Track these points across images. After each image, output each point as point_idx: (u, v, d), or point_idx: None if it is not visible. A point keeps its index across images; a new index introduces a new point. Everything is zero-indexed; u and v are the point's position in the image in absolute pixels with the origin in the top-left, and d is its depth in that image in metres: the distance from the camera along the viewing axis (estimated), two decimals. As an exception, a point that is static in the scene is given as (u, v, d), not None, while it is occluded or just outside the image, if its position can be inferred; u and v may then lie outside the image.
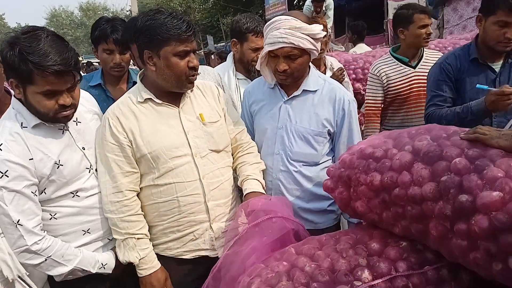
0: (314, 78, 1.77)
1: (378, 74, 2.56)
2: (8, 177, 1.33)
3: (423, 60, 2.54)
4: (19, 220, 1.35)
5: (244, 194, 1.64)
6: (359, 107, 3.15)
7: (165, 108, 1.57)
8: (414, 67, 2.53)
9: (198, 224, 1.59)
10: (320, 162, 1.75)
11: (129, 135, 1.52)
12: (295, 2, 14.40)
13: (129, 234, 1.53)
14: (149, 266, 1.55)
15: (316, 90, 1.75)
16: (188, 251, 1.62)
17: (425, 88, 2.29)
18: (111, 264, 1.57)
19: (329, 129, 1.73)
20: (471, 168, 1.01)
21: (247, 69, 2.34)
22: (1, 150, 1.34)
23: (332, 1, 5.99)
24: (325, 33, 1.70)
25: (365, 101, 2.67)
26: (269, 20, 1.69)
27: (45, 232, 1.44)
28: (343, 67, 2.78)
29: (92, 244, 1.57)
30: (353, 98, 1.84)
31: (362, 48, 4.53)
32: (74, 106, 1.44)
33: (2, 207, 1.34)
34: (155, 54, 1.47)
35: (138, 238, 1.54)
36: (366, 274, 1.09)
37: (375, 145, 1.26)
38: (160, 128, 1.54)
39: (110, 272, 1.57)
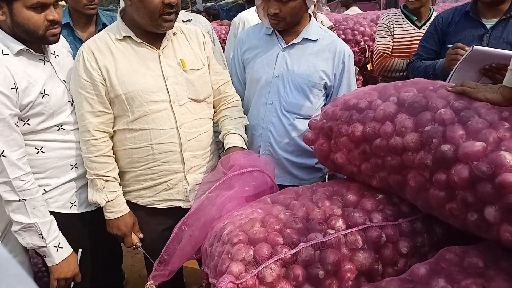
0: (315, 28, 1.69)
1: (387, 24, 2.56)
2: None
3: (430, 21, 2.50)
4: (3, 151, 1.30)
5: (225, 149, 1.59)
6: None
7: (144, 49, 1.47)
8: (419, 27, 2.52)
9: (172, 174, 1.54)
10: (313, 116, 1.70)
11: (104, 72, 1.44)
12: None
13: (97, 175, 1.48)
14: (116, 209, 1.52)
15: (316, 40, 1.68)
16: (160, 201, 1.58)
17: None
18: (66, 253, 1.48)
19: (326, 82, 1.68)
20: (455, 119, 0.98)
21: None
22: None
23: None
24: None
25: (376, 46, 2.62)
26: None
27: (30, 168, 1.38)
28: (333, 25, 2.70)
29: (81, 179, 1.55)
30: (352, 53, 1.77)
31: (354, 11, 4.42)
32: (60, 24, 1.40)
33: None
34: None
35: (106, 180, 1.49)
36: (340, 223, 1.08)
37: (360, 97, 1.21)
38: (137, 69, 1.46)
39: (60, 260, 1.46)
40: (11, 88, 1.30)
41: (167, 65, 1.49)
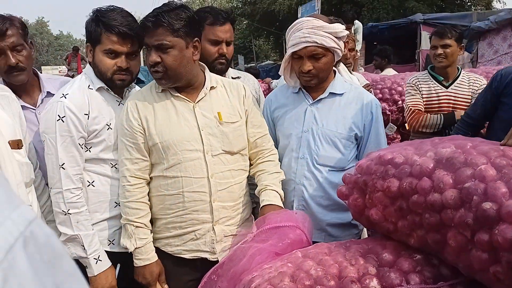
0: (341, 82, 1.74)
1: (414, 83, 2.60)
2: (63, 122, 1.49)
3: (457, 81, 2.53)
4: (63, 163, 1.49)
5: (261, 206, 1.58)
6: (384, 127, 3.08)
7: (181, 101, 1.55)
8: (447, 87, 2.52)
9: (200, 223, 1.55)
10: (346, 168, 1.69)
11: (143, 122, 1.52)
12: (327, 28, 14.51)
13: (128, 221, 1.52)
14: (144, 257, 1.53)
15: (343, 93, 1.71)
16: (187, 251, 1.58)
17: (455, 108, 2.38)
18: (104, 266, 1.57)
19: (356, 133, 1.68)
20: (497, 176, 0.94)
21: None
22: (65, 98, 1.52)
23: (361, 25, 6.01)
24: (347, 32, 1.67)
25: (407, 104, 2.63)
26: None
27: (81, 190, 1.55)
28: (370, 84, 2.74)
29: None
30: (379, 103, 1.79)
31: (389, 72, 4.48)
32: (130, 73, 1.61)
33: (54, 148, 1.49)
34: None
35: (136, 227, 1.52)
36: (374, 283, 1.02)
37: (395, 151, 1.20)
38: (174, 119, 1.53)
39: (98, 271, 1.55)
40: (84, 114, 1.52)
41: (203, 116, 1.55)
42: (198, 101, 1.57)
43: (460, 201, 0.96)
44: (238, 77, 2.10)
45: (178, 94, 1.55)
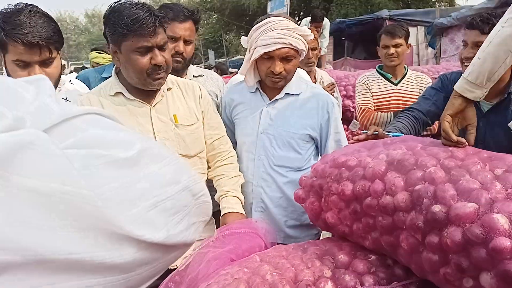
0: (297, 82, 1.72)
1: (364, 82, 2.64)
2: None
3: (405, 78, 2.61)
4: None
5: (222, 214, 1.56)
6: (347, 124, 3.11)
7: (136, 105, 1.49)
8: (396, 84, 2.59)
9: None
10: (303, 168, 1.68)
11: None
12: (297, 19, 14.59)
13: None
14: None
15: (299, 94, 1.69)
16: None
17: (404, 104, 2.41)
18: None
19: (311, 133, 1.67)
20: (446, 178, 0.95)
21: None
22: None
23: (328, 22, 6.06)
24: (313, 35, 1.66)
25: (358, 102, 2.67)
26: None
27: None
28: (334, 82, 2.76)
29: None
30: (336, 102, 1.79)
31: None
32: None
33: None
34: (117, 48, 1.40)
35: None
36: (329, 286, 1.01)
37: (349, 154, 1.20)
38: (126, 124, 1.46)
39: None
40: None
41: (159, 120, 1.50)
42: (155, 104, 1.52)
43: (411, 203, 0.96)
44: (201, 75, 2.05)
45: (134, 98, 1.49)
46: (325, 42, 6.10)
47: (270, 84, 1.68)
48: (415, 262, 0.98)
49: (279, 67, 1.58)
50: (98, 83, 2.10)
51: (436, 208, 0.90)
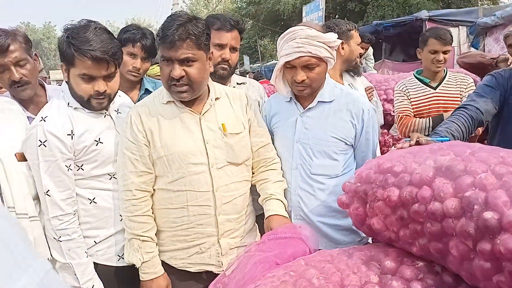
0: (330, 89, 1.72)
1: (401, 89, 2.60)
2: (46, 147, 1.44)
3: (444, 81, 2.54)
4: (48, 190, 1.46)
5: (266, 216, 1.58)
6: (388, 129, 3.07)
7: (186, 114, 1.54)
8: (435, 88, 2.53)
9: (205, 237, 1.55)
10: (341, 174, 1.68)
11: (148, 134, 1.52)
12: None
13: (135, 235, 1.51)
14: (151, 271, 1.52)
15: (332, 101, 1.69)
16: (193, 264, 1.58)
17: (445, 108, 2.38)
18: None
19: (346, 140, 1.67)
20: (497, 184, 0.93)
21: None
22: (45, 121, 1.46)
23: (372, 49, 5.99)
24: (340, 41, 1.66)
25: (396, 111, 2.64)
26: None
27: (76, 212, 1.51)
28: (372, 86, 2.73)
29: None
30: (373, 107, 1.78)
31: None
32: (108, 96, 1.54)
33: (38, 174, 1.45)
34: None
35: (143, 240, 1.51)
36: (377, 292, 1.02)
37: (394, 159, 1.19)
38: (179, 132, 1.52)
39: None
40: (67, 134, 1.47)
41: (208, 128, 1.55)
42: (204, 113, 1.56)
43: (461, 210, 0.95)
44: (244, 83, 2.10)
45: (184, 106, 1.54)
46: (371, 62, 6.09)
47: (296, 93, 1.70)
48: (466, 270, 0.97)
49: (300, 75, 1.59)
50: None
51: (488, 215, 0.89)
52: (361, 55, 2.37)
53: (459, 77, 2.58)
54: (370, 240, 1.83)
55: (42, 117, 1.48)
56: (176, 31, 1.38)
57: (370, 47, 5.83)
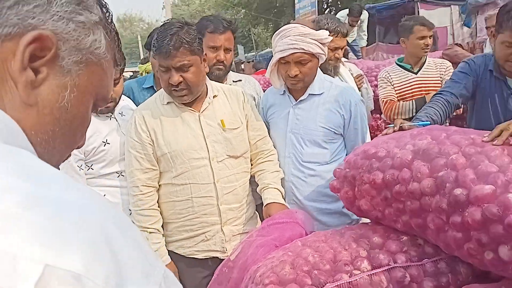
0: (320, 82, 1.84)
1: (384, 76, 2.72)
2: None
3: (424, 66, 2.66)
4: None
5: (264, 204, 1.71)
6: (381, 113, 3.18)
7: (186, 112, 1.66)
8: (416, 73, 2.65)
9: (210, 225, 1.67)
10: (331, 161, 1.80)
11: (152, 134, 1.63)
12: (325, 12, 14.44)
13: (142, 227, 1.63)
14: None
15: (322, 93, 1.82)
16: (199, 251, 1.70)
17: (427, 91, 2.52)
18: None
19: (335, 130, 1.80)
20: (466, 164, 1.05)
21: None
22: None
23: (367, 13, 6.02)
24: (331, 38, 1.77)
25: (380, 97, 2.75)
26: None
27: None
28: (362, 73, 2.83)
29: None
30: (361, 98, 1.90)
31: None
32: (114, 100, 1.67)
33: None
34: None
35: (150, 232, 1.64)
36: (365, 264, 1.15)
37: (378, 145, 1.31)
38: (180, 130, 1.64)
39: None
40: None
41: (207, 124, 1.67)
42: (203, 110, 1.68)
43: (436, 188, 1.07)
44: (240, 80, 2.21)
45: (184, 106, 1.66)
46: (364, 35, 6.13)
47: (290, 86, 1.83)
48: (442, 240, 1.10)
49: (293, 70, 1.71)
50: (140, 93, 2.32)
51: (458, 191, 1.01)
52: (337, 58, 2.39)
53: (438, 61, 2.72)
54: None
55: None
56: (170, 41, 1.49)
57: (366, 16, 5.87)
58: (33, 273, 0.30)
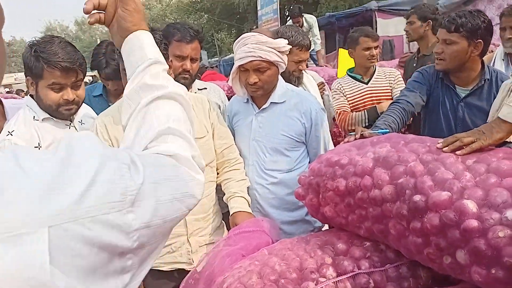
0: (282, 90, 1.86)
1: (337, 88, 2.77)
2: None
3: (374, 76, 2.75)
4: None
5: (231, 213, 1.70)
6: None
7: None
8: (367, 83, 2.74)
9: (176, 237, 1.64)
10: (294, 169, 1.83)
11: (114, 142, 1.59)
12: (288, 19, 14.66)
13: None
14: None
15: (283, 102, 1.84)
16: (165, 263, 1.66)
17: (378, 100, 2.62)
18: None
19: (297, 138, 1.82)
20: (424, 171, 1.09)
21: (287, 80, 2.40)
22: (12, 135, 1.54)
23: (315, 18, 6.18)
24: (290, 46, 1.80)
25: (334, 108, 2.82)
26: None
27: None
28: (324, 81, 2.89)
29: None
30: (322, 107, 1.94)
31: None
32: (77, 103, 1.64)
33: None
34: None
35: None
36: (331, 271, 1.16)
37: (341, 153, 1.34)
38: None
39: None
40: (35, 147, 1.54)
41: None
42: None
43: (396, 195, 1.11)
44: (205, 88, 2.20)
45: None
46: (317, 39, 6.27)
47: (250, 94, 1.85)
48: (403, 246, 1.13)
49: (252, 78, 1.73)
50: (88, 102, 2.25)
51: (417, 197, 1.05)
52: (301, 71, 2.38)
53: (387, 70, 2.82)
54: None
55: (9, 131, 1.54)
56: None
57: (314, 20, 6.03)
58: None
